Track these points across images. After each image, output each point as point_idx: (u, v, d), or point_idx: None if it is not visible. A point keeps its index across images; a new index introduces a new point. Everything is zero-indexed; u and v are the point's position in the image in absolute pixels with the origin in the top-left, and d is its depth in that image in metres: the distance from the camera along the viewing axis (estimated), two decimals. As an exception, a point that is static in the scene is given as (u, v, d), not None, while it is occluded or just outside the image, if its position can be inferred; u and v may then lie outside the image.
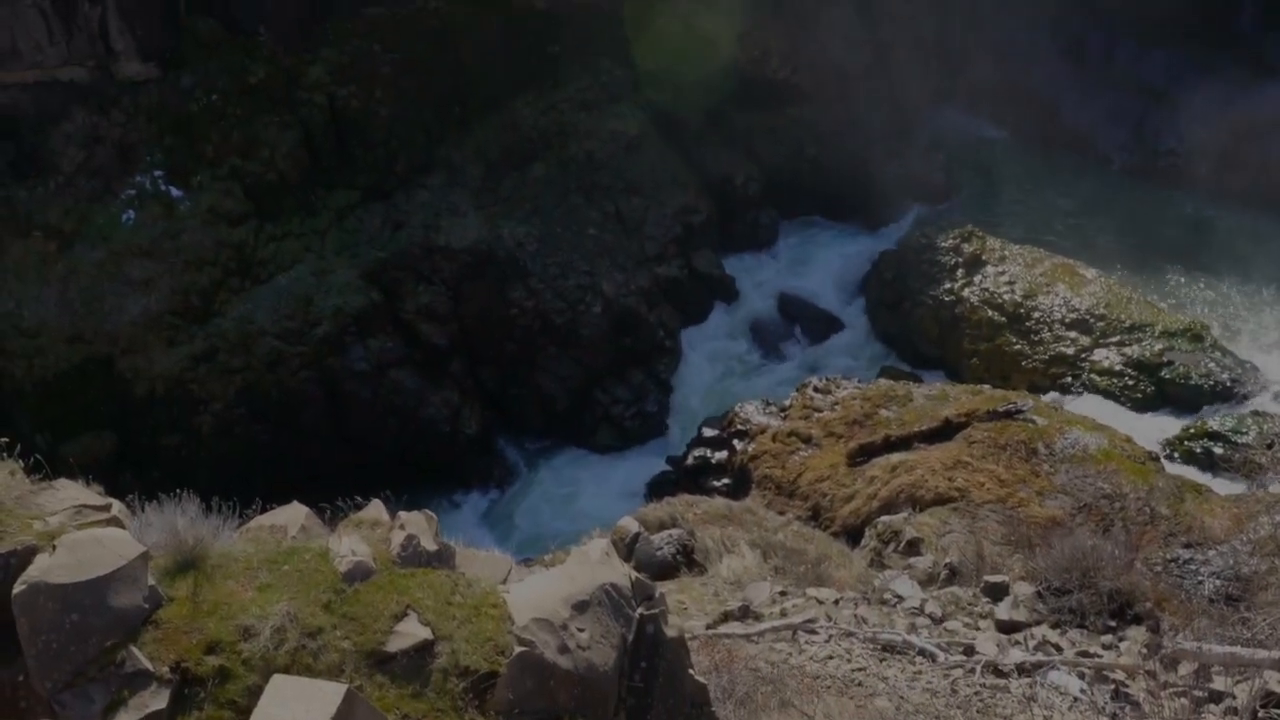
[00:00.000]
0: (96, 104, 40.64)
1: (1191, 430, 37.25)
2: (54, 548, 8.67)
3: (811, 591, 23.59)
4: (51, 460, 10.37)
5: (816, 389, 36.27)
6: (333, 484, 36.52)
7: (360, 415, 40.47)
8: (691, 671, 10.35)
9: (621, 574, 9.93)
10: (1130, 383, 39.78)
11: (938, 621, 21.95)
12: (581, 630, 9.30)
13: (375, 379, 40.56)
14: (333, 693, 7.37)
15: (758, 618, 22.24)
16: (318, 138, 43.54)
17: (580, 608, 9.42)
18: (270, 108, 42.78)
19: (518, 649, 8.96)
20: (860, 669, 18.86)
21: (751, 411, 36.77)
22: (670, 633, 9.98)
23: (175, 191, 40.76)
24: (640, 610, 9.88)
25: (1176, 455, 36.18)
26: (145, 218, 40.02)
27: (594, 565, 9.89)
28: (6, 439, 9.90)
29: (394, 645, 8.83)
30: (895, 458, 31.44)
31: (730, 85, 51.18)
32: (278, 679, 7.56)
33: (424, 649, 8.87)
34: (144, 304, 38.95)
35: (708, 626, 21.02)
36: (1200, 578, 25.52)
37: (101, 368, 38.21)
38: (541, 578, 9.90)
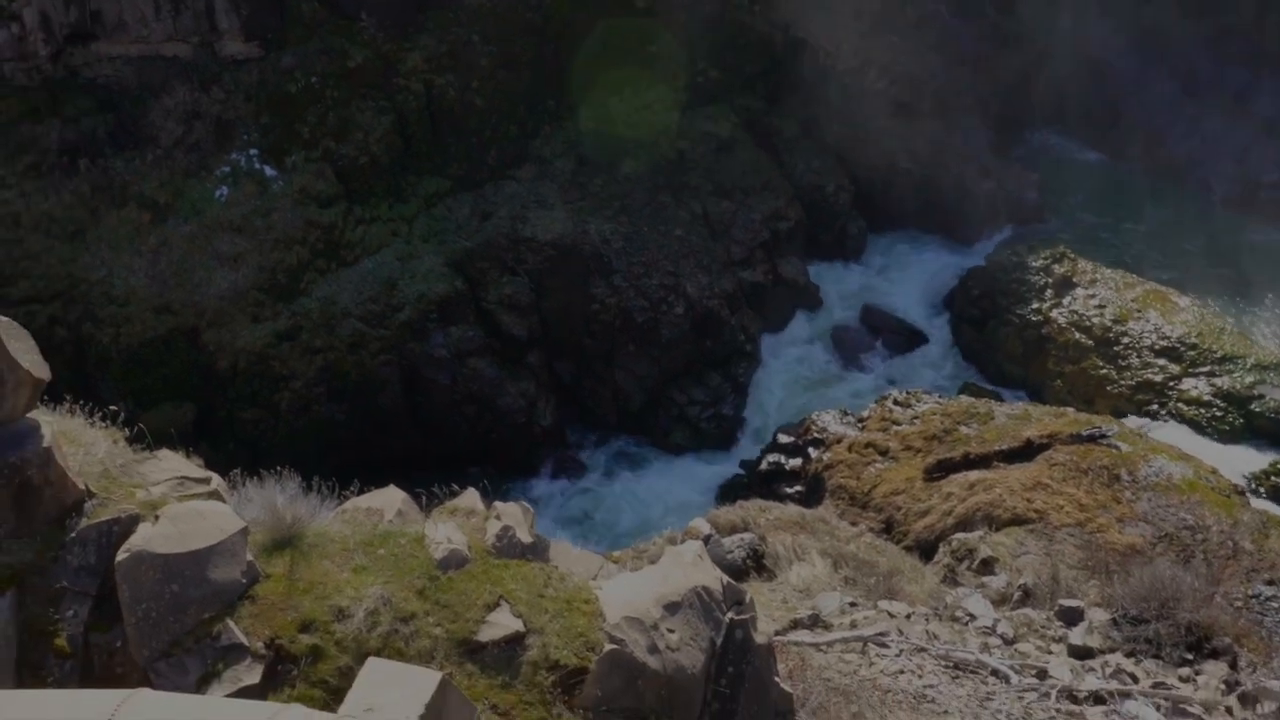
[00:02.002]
0: (198, 80, 41.20)
1: (1279, 465, 36.59)
2: (156, 518, 8.77)
3: (882, 604, 23.41)
4: (129, 427, 10.44)
5: (896, 402, 36.03)
6: (406, 468, 36.98)
7: (437, 401, 40.66)
8: (777, 679, 10.28)
9: (714, 577, 9.89)
10: (1218, 414, 39.15)
11: (1009, 642, 21.72)
12: (672, 631, 9.27)
13: (454, 366, 40.72)
14: (428, 679, 7.35)
15: (827, 627, 22.10)
16: (412, 124, 43.84)
17: (671, 609, 9.39)
18: (367, 92, 43.14)
19: (608, 646, 8.94)
20: (931, 685, 18.70)
21: (829, 420, 36.58)
22: (759, 639, 9.93)
23: (269, 170, 41.21)
24: (731, 615, 9.82)
25: (1262, 490, 35.57)
26: (238, 194, 40.49)
27: (687, 567, 9.85)
28: (113, 408, 10.01)
29: (485, 635, 8.85)
30: (973, 475, 31.13)
31: (834, 96, 50.89)
32: (373, 662, 7.56)
33: (515, 641, 8.88)
34: (232, 279, 39.39)
35: (776, 634, 20.90)
36: (1282, 616, 25.07)
37: (186, 339, 38.68)
38: (634, 576, 9.87)
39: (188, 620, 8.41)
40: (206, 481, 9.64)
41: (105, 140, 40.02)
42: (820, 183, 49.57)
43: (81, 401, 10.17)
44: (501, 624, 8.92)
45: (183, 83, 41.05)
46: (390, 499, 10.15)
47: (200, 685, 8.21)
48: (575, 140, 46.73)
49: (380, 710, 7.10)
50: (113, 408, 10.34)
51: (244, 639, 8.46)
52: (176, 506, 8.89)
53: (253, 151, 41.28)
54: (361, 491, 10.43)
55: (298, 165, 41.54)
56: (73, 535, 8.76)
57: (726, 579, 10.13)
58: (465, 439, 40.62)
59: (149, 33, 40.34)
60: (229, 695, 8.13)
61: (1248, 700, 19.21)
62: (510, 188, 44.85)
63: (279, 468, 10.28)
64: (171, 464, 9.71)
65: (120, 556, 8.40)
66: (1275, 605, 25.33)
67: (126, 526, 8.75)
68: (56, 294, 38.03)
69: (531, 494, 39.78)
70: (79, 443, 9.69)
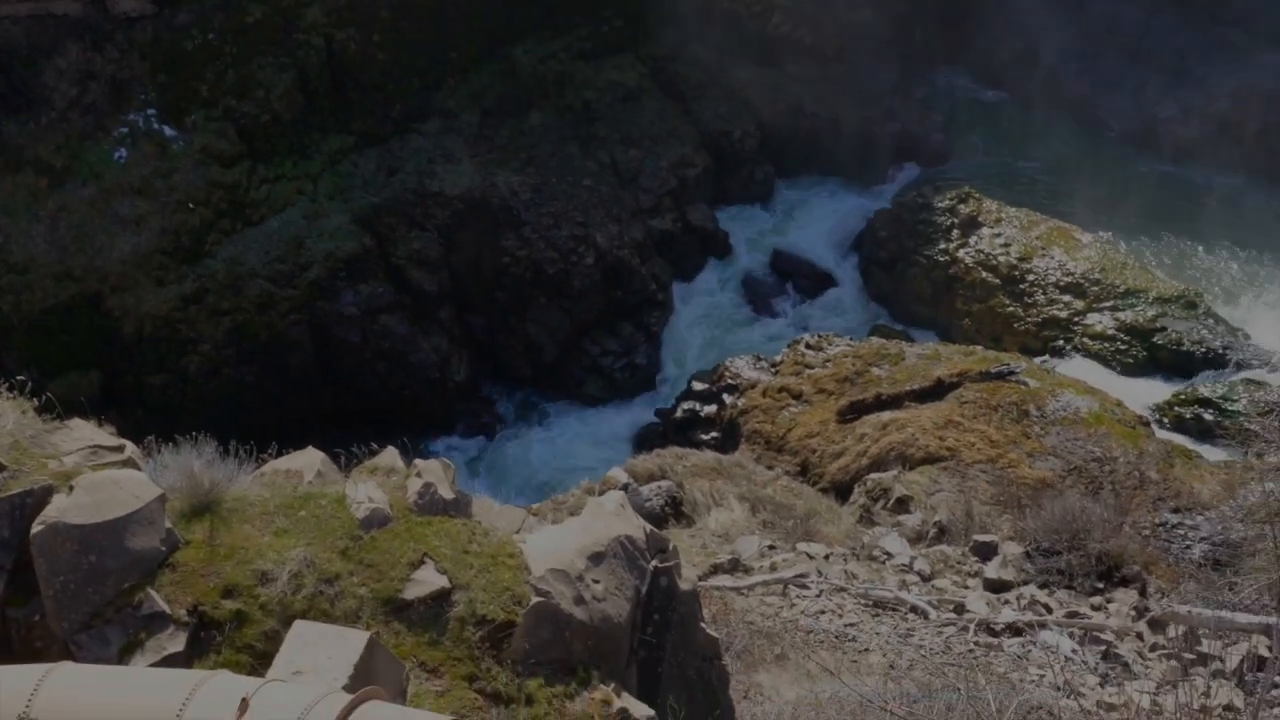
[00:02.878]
0: (90, 39, 40.15)
1: (1182, 396, 37.36)
2: (71, 488, 8.63)
3: (801, 546, 23.71)
4: (36, 397, 10.26)
5: (808, 345, 36.33)
6: (320, 428, 36.68)
7: (349, 360, 40.33)
8: (703, 625, 10.38)
9: (636, 526, 9.94)
10: (1123, 348, 39.86)
11: (926, 579, 22.11)
12: (597, 582, 9.32)
13: (365, 324, 40.38)
14: (355, 640, 7.33)
15: (747, 571, 22.35)
16: (314, 80, 43.14)
17: (596, 559, 9.44)
18: (266, 49, 42.31)
19: (534, 599, 8.97)
20: (852, 624, 19.01)
21: (742, 366, 36.82)
22: (684, 586, 10.01)
23: (168, 130, 40.34)
24: (654, 563, 9.89)
25: (1167, 421, 36.32)
26: (137, 156, 39.62)
27: (609, 517, 9.90)
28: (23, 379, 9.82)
29: (411, 593, 8.84)
30: (886, 416, 31.54)
31: (737, 41, 50.86)
32: (300, 624, 7.53)
33: (441, 597, 8.88)
34: (134, 243, 38.63)
35: (699, 579, 21.05)
36: (1188, 543, 25.70)
37: (89, 305, 37.93)
38: (557, 529, 9.91)
39: (107, 591, 8.31)
40: (120, 450, 9.50)
41: (-4, 103, 39.01)
42: (727, 129, 49.57)
43: (-15, 372, 9.96)
44: (427, 581, 8.91)
45: (75, 42, 39.98)
46: (309, 460, 10.08)
47: (123, 656, 8.13)
48: (479, 92, 46.31)
49: (309, 672, 7.07)
50: (20, 378, 10.14)
51: (166, 607, 8.38)
52: (91, 476, 8.76)
53: (150, 112, 40.37)
54: (280, 454, 10.34)
55: (198, 125, 40.72)
56: (-15, 509, 8.61)
57: (649, 527, 10.18)
58: (378, 397, 40.36)
59: (37, -10, 39.28)
60: (153, 665, 8.06)
61: (1157, 625, 19.72)
62: (416, 142, 44.39)
63: (193, 433, 10.17)
64: (83, 433, 9.56)
65: (35, 529, 8.27)
66: (1181, 532, 25.98)
67: (40, 498, 8.61)
68: (-48, 263, 37.14)
69: (447, 450, 39.65)
70: (-14, 415, 9.51)
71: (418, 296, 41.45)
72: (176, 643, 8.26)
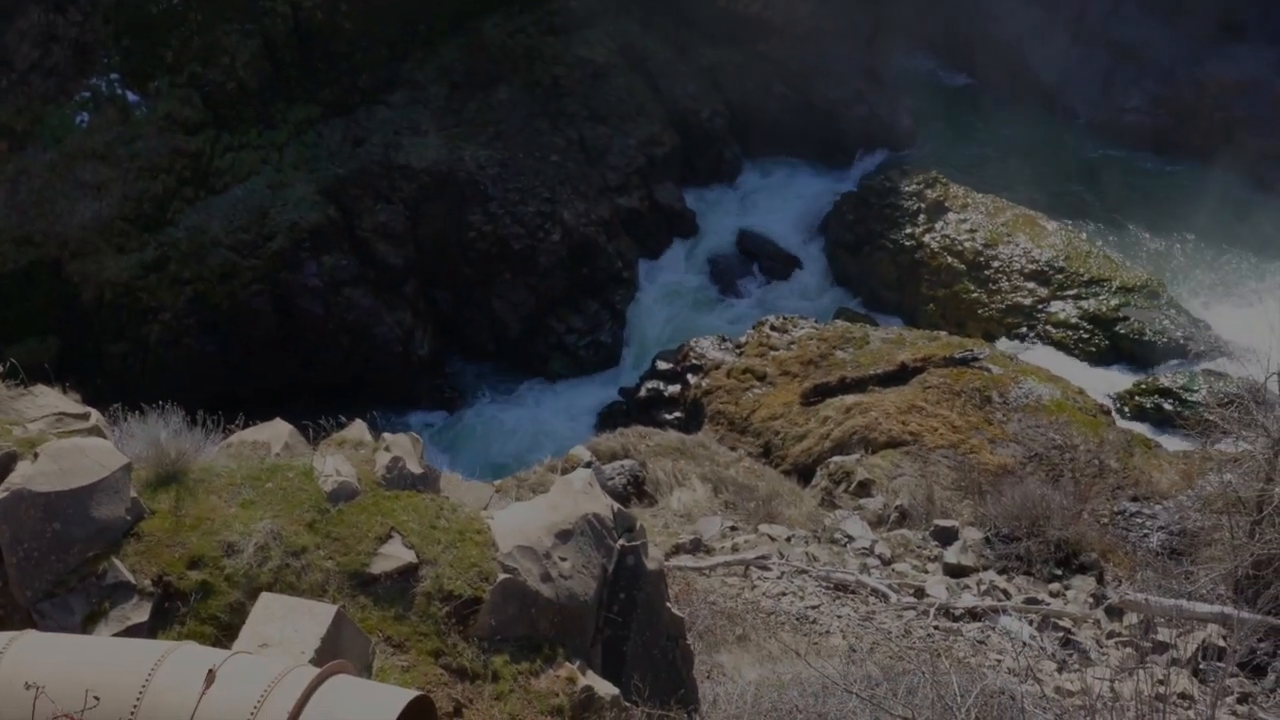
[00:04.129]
0: (53, 1, 39.64)
1: (1143, 386, 37.62)
2: (36, 455, 8.53)
3: (763, 528, 23.80)
4: (-1, 363, 10.14)
5: (773, 327, 36.38)
6: (281, 400, 36.38)
7: (312, 332, 40.10)
8: (669, 605, 10.38)
9: (604, 505, 9.93)
10: (1085, 336, 40.08)
11: (887, 562, 22.24)
12: (564, 559, 9.31)
13: (328, 296, 40.15)
14: (323, 613, 7.31)
15: (709, 551, 22.42)
16: (280, 48, 42.73)
17: (563, 537, 9.43)
18: (233, 15, 41.86)
19: (501, 576, 8.95)
20: (814, 606, 19.08)
21: (707, 346, 36.85)
22: (650, 565, 10.00)
23: (132, 96, 39.88)
24: (622, 541, 9.88)
25: (1127, 410, 36.57)
26: (100, 121, 39.17)
27: (577, 495, 9.88)
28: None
29: (378, 567, 8.80)
30: (849, 399, 31.64)
31: (707, 20, 50.75)
32: (267, 597, 7.49)
33: (408, 572, 8.84)
34: (95, 209, 38.24)
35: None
36: (1146, 531, 25.91)
37: (49, 271, 37.54)
38: (525, 506, 9.88)
39: (71, 559, 8.23)
40: (86, 417, 9.41)
41: (-45, 66, 38.49)
42: (695, 108, 49.47)
43: (-54, 338, 9.84)
44: (394, 556, 8.87)
45: (37, 4, 39.43)
46: (277, 432, 10.01)
47: (86, 625, 8.05)
48: (448, 65, 46.01)
49: (276, 645, 7.04)
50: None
51: (130, 577, 8.30)
52: (56, 443, 8.66)
53: (114, 76, 39.89)
54: (247, 425, 10.26)
55: (162, 91, 40.27)
56: (-54, 475, 8.50)
57: (617, 506, 10.18)
58: (341, 370, 40.17)
59: (-2, -49, 38.71)
60: (117, 634, 7.99)
61: (1114, 613, 19.90)
62: (382, 113, 44.10)
63: (158, 403, 10.07)
64: (49, 400, 9.46)
65: (-1, 496, 8.18)
66: (1139, 521, 26.19)
67: (4, 465, 8.51)
68: (-91, 226, 36.68)
69: (410, 424, 39.49)
70: (-52, 380, 9.39)
71: (382, 270, 41.24)
72: (141, 613, 8.19)
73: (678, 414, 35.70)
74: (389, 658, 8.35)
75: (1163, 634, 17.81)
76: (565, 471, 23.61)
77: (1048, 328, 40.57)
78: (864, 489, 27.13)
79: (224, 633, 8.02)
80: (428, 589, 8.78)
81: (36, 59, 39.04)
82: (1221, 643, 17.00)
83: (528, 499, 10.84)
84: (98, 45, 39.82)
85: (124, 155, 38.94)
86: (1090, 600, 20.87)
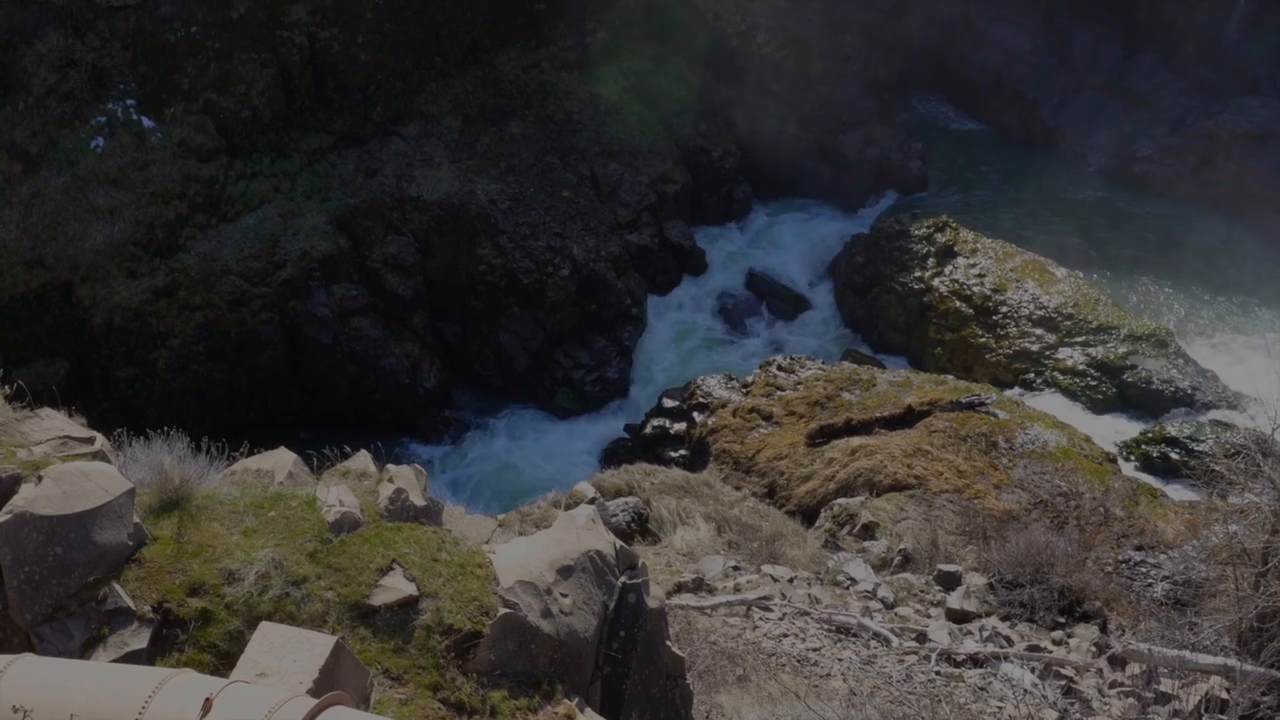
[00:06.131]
0: (72, 26, 39.93)
1: (1149, 435, 37.56)
2: (40, 478, 8.52)
3: (765, 568, 23.70)
4: (5, 385, 10.15)
5: (780, 367, 36.35)
6: (288, 428, 36.38)
7: (319, 361, 40.18)
8: (669, 643, 10.33)
9: (606, 541, 9.89)
10: (1092, 383, 40.06)
11: (889, 606, 22.12)
12: (565, 596, 9.27)
13: (337, 326, 40.24)
14: (322, 644, 7.26)
15: (711, 591, 22.32)
16: (295, 78, 43.01)
17: (565, 573, 9.39)
18: (249, 44, 42.17)
19: (502, 610, 8.91)
20: (815, 649, 18.98)
21: (713, 385, 36.82)
22: (651, 603, 9.96)
23: (147, 122, 40.15)
24: (623, 579, 9.84)
25: (1133, 458, 36.50)
26: (114, 146, 39.41)
27: (579, 531, 9.84)
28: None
29: (378, 599, 8.76)
30: (855, 441, 31.56)
31: (721, 60, 51.04)
32: (266, 626, 7.44)
33: (408, 605, 8.80)
34: (107, 233, 38.39)
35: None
36: (1150, 580, 25.76)
37: (60, 294, 37.67)
38: (527, 540, 9.84)
39: (72, 584, 8.20)
40: (91, 441, 9.40)
41: (-27, 87, 38.73)
42: (707, 146, 49.69)
43: (-47, 359, 9.87)
44: (395, 588, 8.84)
45: (56, 28, 39.74)
46: (281, 461, 10.00)
47: (85, 650, 8.02)
48: (462, 98, 46.26)
49: (274, 675, 7.00)
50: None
51: (130, 602, 8.27)
52: (60, 467, 8.65)
53: (130, 102, 40.16)
54: (251, 453, 10.25)
55: (177, 117, 40.53)
56: (-50, 496, 8.49)
57: (619, 543, 10.14)
58: (347, 400, 40.24)
59: (20, -25, 39.03)
60: (115, 660, 7.96)
61: (1117, 662, 19.77)
62: (396, 145, 44.31)
63: (164, 428, 10.06)
64: (54, 423, 9.45)
65: (2, 518, 8.16)
66: (1144, 570, 26.04)
67: (8, 487, 8.50)
68: (-79, 247, 36.82)
69: (415, 456, 39.51)
70: (-46, 401, 9.40)
71: (391, 301, 41.35)
72: (140, 639, 8.16)
73: (683, 452, 35.67)
74: (387, 690, 8.31)
75: (1165, 685, 17.68)
76: (569, 507, 23.55)
77: (1055, 374, 40.55)
78: (868, 532, 27.03)
79: (222, 661, 7.98)
80: (428, 622, 8.74)
81: (54, 83, 39.30)
82: (1225, 695, 16.86)
83: (530, 534, 10.80)
84: (114, 71, 40.09)
85: (137, 180, 39.13)
86: (1093, 649, 20.72)
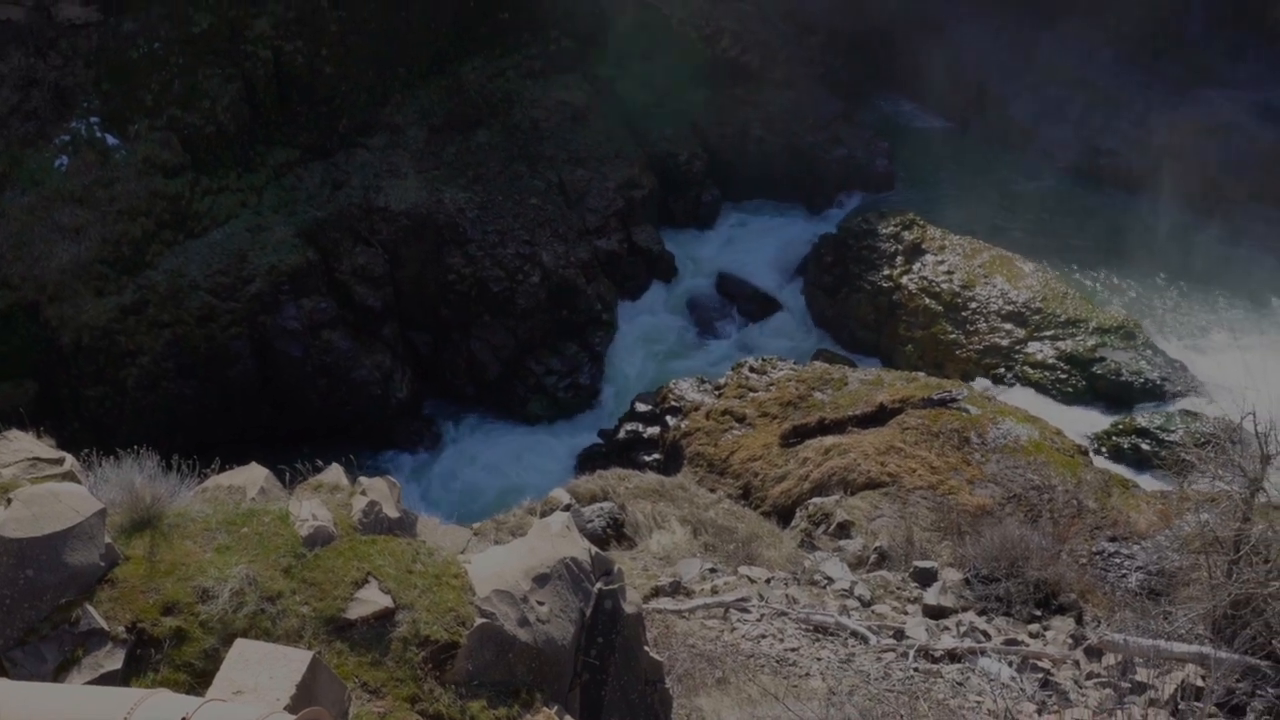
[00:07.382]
0: (34, 45, 39.72)
1: (1120, 426, 37.77)
2: (9, 501, 8.47)
3: (742, 570, 23.72)
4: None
5: (752, 369, 36.40)
6: (263, 444, 36.23)
7: (290, 374, 40.02)
8: (647, 648, 10.34)
9: (582, 548, 9.90)
10: (1062, 376, 40.26)
11: (867, 604, 22.17)
12: (541, 604, 9.27)
13: (307, 339, 40.09)
14: (298, 659, 7.25)
15: (688, 594, 22.33)
16: (260, 92, 42.87)
17: (541, 581, 9.39)
18: (213, 59, 42.02)
19: (478, 620, 8.91)
20: (793, 649, 19.01)
21: (686, 388, 36.84)
22: (628, 609, 9.97)
23: (111, 139, 39.95)
24: (599, 585, 9.85)
25: (1104, 450, 36.69)
26: (79, 164, 39.20)
27: (555, 538, 9.85)
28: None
29: (354, 612, 8.74)
30: (828, 440, 31.61)
31: (686, 64, 51.13)
32: (241, 643, 7.43)
33: (384, 617, 8.79)
34: (74, 252, 38.17)
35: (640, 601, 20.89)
36: (1124, 571, 25.89)
37: (27, 314, 37.41)
38: (502, 549, 9.84)
39: (44, 606, 8.16)
40: (60, 462, 9.35)
41: (-65, 108, 38.47)
42: (674, 151, 49.77)
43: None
44: (370, 601, 8.82)
45: (17, 48, 39.52)
46: (253, 476, 9.97)
47: (59, 673, 7.98)
48: (428, 108, 46.22)
49: (250, 692, 6.99)
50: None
51: (104, 624, 8.23)
52: (29, 489, 8.60)
53: (94, 120, 39.96)
54: (222, 469, 10.22)
55: (141, 134, 40.33)
56: (-82, 521, 8.43)
57: (595, 549, 10.14)
58: (319, 413, 40.08)
59: (-21, -4, 38.81)
60: (90, 682, 7.93)
61: (1093, 653, 19.86)
62: (362, 156, 44.21)
63: (135, 447, 10.02)
64: (22, 444, 9.40)
65: (-30, 542, 8.11)
66: (1118, 561, 26.17)
67: (-24, 511, 8.45)
68: (-114, 269, 36.53)
69: (388, 468, 39.40)
70: (-79, 424, 9.34)
71: (361, 312, 41.24)
72: (114, 660, 8.12)
73: (657, 456, 35.70)
74: (365, 704, 8.29)
75: (1141, 674, 17.78)
76: (544, 514, 23.54)
77: (1025, 368, 40.74)
78: (843, 530, 27.07)
79: (198, 680, 7.95)
80: (404, 634, 8.73)
81: (16, 103, 39.08)
82: (1200, 683, 16.97)
83: (506, 542, 10.80)
84: (78, 89, 39.89)
85: (103, 198, 38.93)
86: (1069, 641, 20.81)
